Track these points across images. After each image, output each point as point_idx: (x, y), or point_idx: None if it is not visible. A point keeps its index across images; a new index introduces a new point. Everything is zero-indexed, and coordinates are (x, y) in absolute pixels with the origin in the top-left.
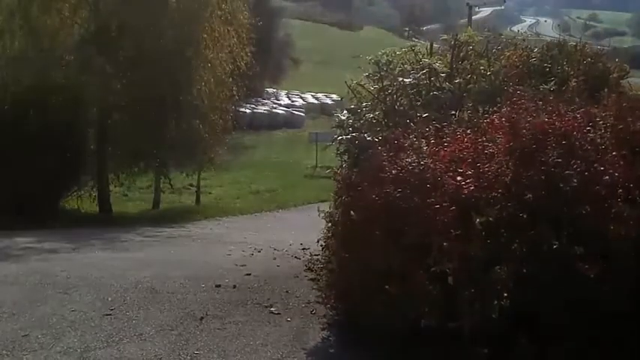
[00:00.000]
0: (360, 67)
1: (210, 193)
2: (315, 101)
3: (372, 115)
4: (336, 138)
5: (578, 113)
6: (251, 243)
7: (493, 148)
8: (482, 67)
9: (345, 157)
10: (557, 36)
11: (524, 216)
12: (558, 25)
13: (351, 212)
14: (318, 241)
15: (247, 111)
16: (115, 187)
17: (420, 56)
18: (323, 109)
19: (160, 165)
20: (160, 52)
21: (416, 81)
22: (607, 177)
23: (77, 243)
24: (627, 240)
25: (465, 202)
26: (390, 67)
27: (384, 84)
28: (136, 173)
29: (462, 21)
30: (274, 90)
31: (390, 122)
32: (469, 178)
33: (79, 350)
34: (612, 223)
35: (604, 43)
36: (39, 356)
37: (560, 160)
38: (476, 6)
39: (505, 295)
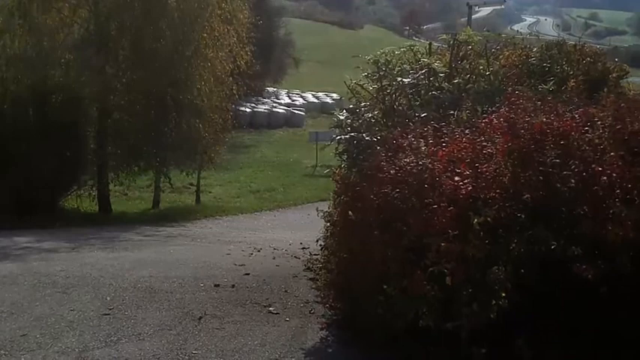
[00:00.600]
0: (359, 66)
1: (210, 192)
2: (316, 100)
3: (370, 115)
4: (335, 138)
5: (576, 113)
6: (250, 242)
7: (491, 149)
8: (481, 67)
9: (344, 157)
10: (557, 35)
11: (522, 217)
12: (557, 26)
13: (349, 212)
14: (317, 241)
15: (247, 110)
16: (115, 186)
17: (419, 56)
18: (323, 109)
19: (159, 164)
20: (159, 51)
21: (415, 81)
22: (605, 177)
23: (76, 242)
24: (625, 241)
25: (462, 202)
26: (389, 66)
27: (383, 84)
28: (136, 172)
29: (462, 20)
30: (274, 89)
31: (388, 122)
32: (467, 179)
33: (77, 350)
34: (610, 224)
35: (604, 42)
36: (37, 356)
37: (558, 160)
38: (476, 5)
39: (503, 295)
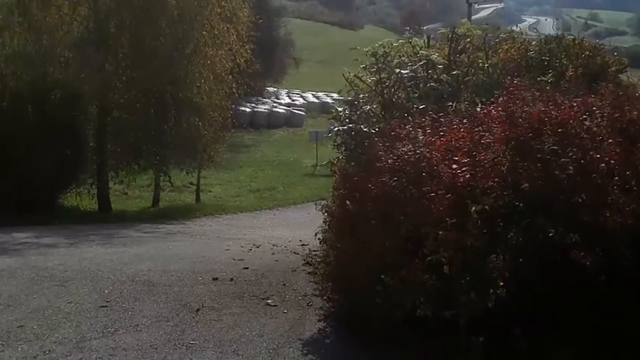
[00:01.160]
0: (357, 59)
1: (210, 191)
2: (316, 100)
3: (369, 108)
4: (333, 129)
5: (574, 102)
6: (250, 239)
7: (489, 138)
8: (480, 60)
9: (342, 149)
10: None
11: (521, 205)
12: (557, 28)
13: (347, 202)
14: (315, 235)
15: (247, 110)
16: (115, 184)
17: (418, 48)
18: (324, 108)
19: (159, 163)
20: (159, 49)
21: (413, 73)
22: (603, 165)
23: (75, 238)
24: (624, 228)
25: (460, 190)
26: (388, 59)
27: (382, 76)
28: (136, 171)
29: (462, 20)
30: (275, 89)
31: (387, 115)
32: (465, 167)
33: (74, 340)
34: (609, 211)
35: (604, 42)
36: (34, 346)
37: (556, 147)
38: (476, 2)
39: (501, 284)
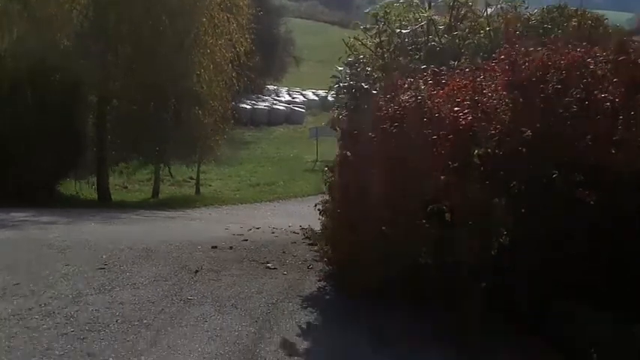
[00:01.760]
0: (358, 22)
1: (210, 185)
2: (316, 98)
3: (370, 69)
4: (334, 86)
5: (578, 49)
6: (250, 224)
7: (492, 86)
8: (481, 26)
9: (344, 102)
10: None
11: (523, 150)
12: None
13: (347, 153)
14: (315, 205)
15: (248, 107)
16: (115, 173)
17: (420, 10)
18: (324, 106)
19: (159, 153)
20: (158, 38)
21: (414, 35)
22: (608, 104)
23: (74, 218)
24: (629, 165)
25: (462, 133)
26: (388, 20)
27: (382, 39)
28: (136, 165)
29: None
30: (275, 87)
31: (388, 76)
32: (467, 109)
33: (70, 296)
34: (614, 149)
35: None
36: (29, 300)
37: (559, 86)
38: None
39: (504, 232)
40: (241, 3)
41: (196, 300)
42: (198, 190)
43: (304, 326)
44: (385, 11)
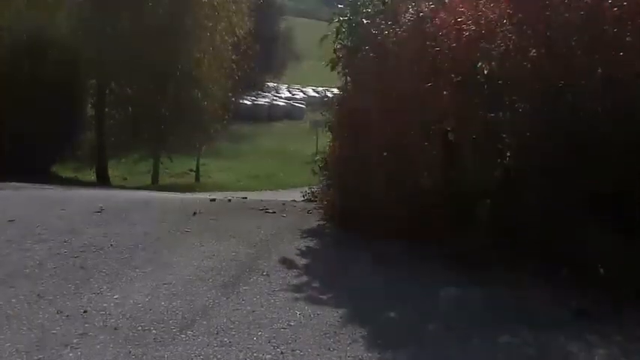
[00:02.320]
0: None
1: (209, 177)
2: (316, 95)
3: (369, 10)
4: (334, 21)
5: None
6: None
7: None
8: None
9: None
10: None
11: (528, 66)
12: None
13: (348, 79)
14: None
15: (248, 103)
16: (115, 163)
17: None
18: (324, 103)
19: (158, 137)
20: (158, 19)
21: None
22: (616, 9)
23: (72, 188)
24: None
25: (466, 45)
26: None
27: None
28: (136, 157)
29: None
30: (275, 84)
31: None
32: (470, 20)
33: (65, 230)
34: (622, 52)
35: None
36: (23, 231)
37: None
38: None
39: (508, 154)
40: None
41: (194, 232)
42: (198, 179)
43: (304, 249)
44: None
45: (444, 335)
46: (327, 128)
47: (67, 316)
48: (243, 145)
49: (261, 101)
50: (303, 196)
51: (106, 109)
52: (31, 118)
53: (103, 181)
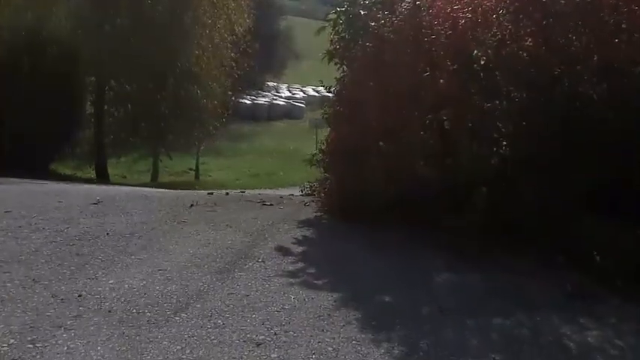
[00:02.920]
0: None
1: (209, 175)
2: (316, 94)
3: (367, 1)
4: (332, 12)
5: None
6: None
7: None
8: None
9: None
10: None
11: (525, 55)
12: None
13: (345, 69)
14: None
15: (248, 102)
16: (114, 162)
17: None
18: (324, 102)
19: (157, 134)
20: (157, 16)
21: None
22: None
23: (71, 183)
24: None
25: (462, 31)
26: None
27: None
28: (135, 156)
29: None
30: (275, 83)
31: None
32: (466, 8)
33: (62, 219)
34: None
35: None
36: (19, 221)
37: None
38: None
39: (505, 143)
40: None
41: (190, 221)
42: (197, 177)
43: (300, 238)
44: None
45: (438, 317)
46: (325, 122)
47: (62, 299)
48: (242, 144)
49: (261, 100)
50: (302, 191)
51: (105, 107)
52: (30, 115)
53: (102, 178)
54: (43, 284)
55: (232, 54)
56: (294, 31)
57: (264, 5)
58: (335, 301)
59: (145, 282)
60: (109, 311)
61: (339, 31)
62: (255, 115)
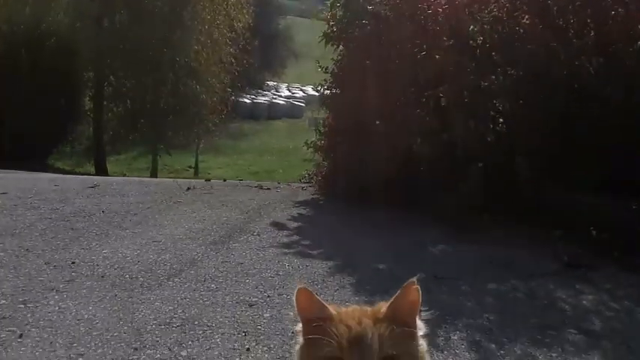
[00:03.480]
0: None
1: (208, 173)
2: (316, 93)
3: None
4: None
5: None
6: None
7: None
8: None
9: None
10: None
11: (522, 31)
12: None
13: (341, 48)
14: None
15: (247, 101)
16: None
17: None
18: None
19: (157, 130)
20: (156, 11)
21: None
22: None
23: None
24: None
25: (458, 10)
26: None
27: None
28: (135, 153)
29: None
30: (275, 83)
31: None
32: None
33: (58, 199)
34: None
35: None
36: (15, 200)
37: None
38: None
39: (501, 121)
40: None
41: (185, 202)
42: (196, 174)
43: (296, 215)
44: None
45: (432, 283)
46: (323, 104)
47: (55, 266)
48: (242, 143)
49: (261, 100)
50: (300, 180)
51: (104, 103)
52: (29, 111)
53: (101, 173)
54: (36, 253)
55: (231, 50)
56: (294, 31)
57: (263, 3)
58: (329, 268)
59: (138, 251)
60: (102, 277)
61: (337, 13)
62: (255, 114)
